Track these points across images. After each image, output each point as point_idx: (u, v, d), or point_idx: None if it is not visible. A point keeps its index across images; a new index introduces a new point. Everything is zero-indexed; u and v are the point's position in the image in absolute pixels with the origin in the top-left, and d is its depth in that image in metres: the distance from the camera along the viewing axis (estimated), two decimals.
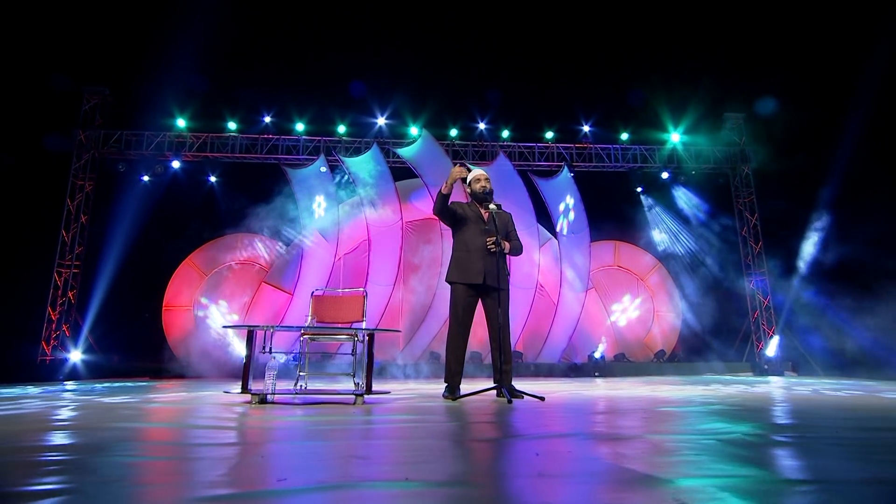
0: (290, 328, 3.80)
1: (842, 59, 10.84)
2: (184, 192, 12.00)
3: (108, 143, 12.10)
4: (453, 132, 12.70)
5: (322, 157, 11.88)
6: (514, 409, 2.96)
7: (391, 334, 10.95)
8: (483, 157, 12.73)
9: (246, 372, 3.46)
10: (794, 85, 11.19)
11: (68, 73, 11.76)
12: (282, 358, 10.44)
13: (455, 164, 4.18)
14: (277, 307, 11.31)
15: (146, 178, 12.09)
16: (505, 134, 12.83)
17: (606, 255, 12.75)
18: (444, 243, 11.54)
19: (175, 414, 2.83)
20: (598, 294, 12.36)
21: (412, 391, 4.89)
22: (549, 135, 12.93)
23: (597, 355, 10.79)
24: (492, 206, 4.07)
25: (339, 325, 4.11)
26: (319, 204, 11.72)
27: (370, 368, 3.54)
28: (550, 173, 12.77)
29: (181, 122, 12.17)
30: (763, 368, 10.64)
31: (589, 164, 12.94)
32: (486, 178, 4.37)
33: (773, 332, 12.04)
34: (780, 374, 10.49)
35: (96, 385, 6.56)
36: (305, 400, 3.56)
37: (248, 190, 12.12)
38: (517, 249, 4.24)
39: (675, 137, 12.92)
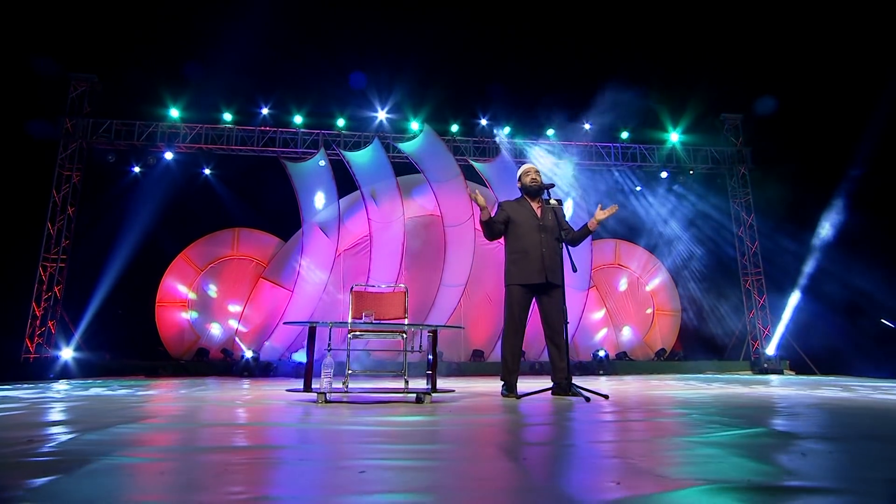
0: (344, 324, 3.60)
1: (842, 61, 11.00)
2: (177, 184, 11.61)
3: (97, 133, 11.64)
4: (454, 127, 12.55)
5: (322, 150, 11.61)
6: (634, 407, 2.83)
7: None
8: (483, 154, 12.61)
9: (309, 371, 3.26)
10: (791, 87, 11.36)
11: (54, 59, 11.27)
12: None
13: (475, 191, 4.01)
14: (276, 303, 11.02)
15: (137, 169, 11.67)
16: (506, 130, 12.72)
17: (607, 253, 12.76)
18: (446, 240, 11.39)
19: (271, 413, 2.64)
20: (599, 293, 12.35)
21: (465, 389, 4.78)
22: (550, 132, 12.87)
23: (601, 354, 10.77)
24: (552, 201, 3.95)
25: (386, 322, 3.94)
26: (319, 199, 11.44)
27: (435, 366, 3.40)
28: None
29: (174, 113, 11.77)
30: (763, 367, 10.75)
31: (590, 162, 12.92)
32: (536, 171, 4.24)
33: (768, 332, 12.20)
34: (779, 372, 10.62)
35: (113, 383, 6.23)
36: (369, 399, 3.39)
37: (245, 183, 11.82)
38: (577, 241, 4.14)
39: (674, 137, 12.99)
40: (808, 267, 11.47)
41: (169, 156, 11.65)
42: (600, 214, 4.04)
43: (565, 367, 3.76)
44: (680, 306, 12.55)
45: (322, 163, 11.59)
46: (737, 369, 11.36)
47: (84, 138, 11.56)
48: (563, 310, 3.87)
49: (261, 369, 9.62)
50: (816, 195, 11.24)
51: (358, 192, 11.57)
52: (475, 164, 12.09)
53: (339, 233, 11.11)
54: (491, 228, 4.01)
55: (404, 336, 3.80)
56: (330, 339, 3.39)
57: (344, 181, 11.61)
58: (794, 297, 11.00)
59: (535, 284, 3.89)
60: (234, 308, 11.19)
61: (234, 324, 11.03)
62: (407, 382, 3.57)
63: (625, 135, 12.96)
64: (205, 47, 12.14)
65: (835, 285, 10.71)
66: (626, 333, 12.28)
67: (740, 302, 12.63)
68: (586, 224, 4.10)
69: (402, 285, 4.39)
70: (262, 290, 11.19)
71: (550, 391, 3.79)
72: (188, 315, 11.09)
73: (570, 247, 4.03)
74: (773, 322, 12.03)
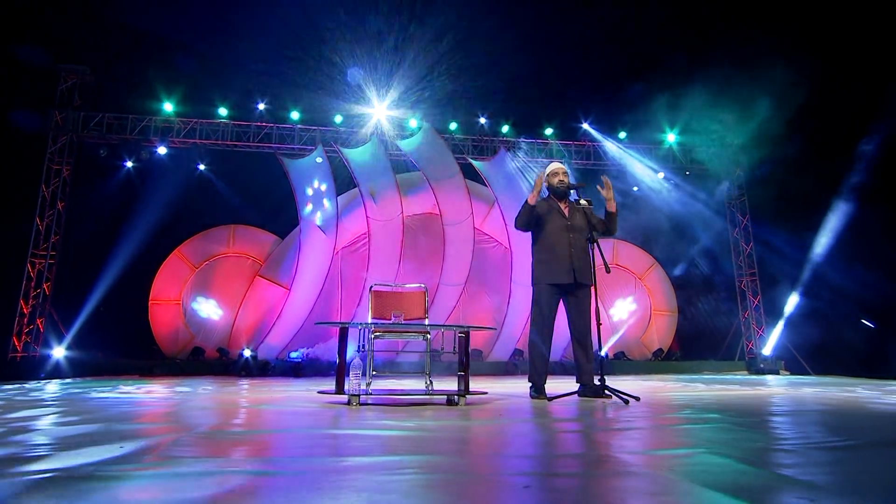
0: (380, 323, 3.49)
1: (838, 62, 11.08)
2: (171, 180, 11.36)
3: (88, 126, 11.36)
4: (453, 125, 12.47)
5: (319, 147, 11.46)
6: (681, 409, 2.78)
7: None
8: (482, 152, 12.55)
9: (341, 373, 3.16)
10: (788, 87, 11.44)
11: (43, 49, 10.97)
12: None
13: (539, 174, 3.96)
14: (273, 302, 10.86)
15: (130, 164, 11.41)
16: (505, 129, 12.68)
17: (605, 253, 12.74)
18: (445, 239, 11.31)
19: (342, 419, 2.53)
20: (596, 292, 12.34)
21: (492, 390, 4.72)
22: (549, 131, 12.86)
23: (600, 353, 10.75)
24: (583, 201, 3.91)
25: (417, 323, 3.86)
26: (317, 195, 11.28)
27: (467, 368, 3.32)
28: None
29: (168, 107, 11.53)
30: (759, 367, 10.86)
31: (587, 162, 12.93)
32: (564, 172, 4.19)
33: (762, 332, 12.33)
34: (775, 372, 10.73)
35: (118, 383, 6.06)
36: (400, 401, 3.31)
37: (240, 179, 11.63)
38: (613, 229, 4.11)
39: (671, 138, 13.05)
40: (804, 268, 11.58)
41: (163, 151, 11.41)
42: (608, 194, 4.02)
43: (592, 368, 3.73)
44: (677, 306, 12.62)
45: (319, 159, 11.44)
46: (733, 369, 11.46)
47: (74, 132, 11.28)
48: (589, 310, 3.84)
49: (259, 368, 9.47)
50: (812, 197, 11.33)
51: (356, 189, 11.44)
52: (474, 163, 12.03)
53: (336, 231, 10.96)
54: (530, 215, 3.97)
55: (428, 337, 3.73)
56: (361, 340, 3.28)
57: (342, 178, 11.47)
58: (791, 299, 11.09)
59: (564, 284, 3.85)
60: (231, 306, 10.99)
61: (229, 322, 10.84)
62: (431, 383, 3.49)
63: (622, 134, 12.98)
64: (200, 40, 11.91)
65: (829, 287, 10.84)
66: (624, 334, 12.31)
67: (735, 302, 12.74)
68: (607, 211, 4.07)
69: (423, 285, 4.31)
70: (258, 289, 11.02)
71: (577, 393, 3.75)
72: (183, 313, 10.87)
73: (607, 236, 4.00)
74: (768, 323, 12.16)
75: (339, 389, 3.14)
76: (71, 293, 10.51)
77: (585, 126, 12.89)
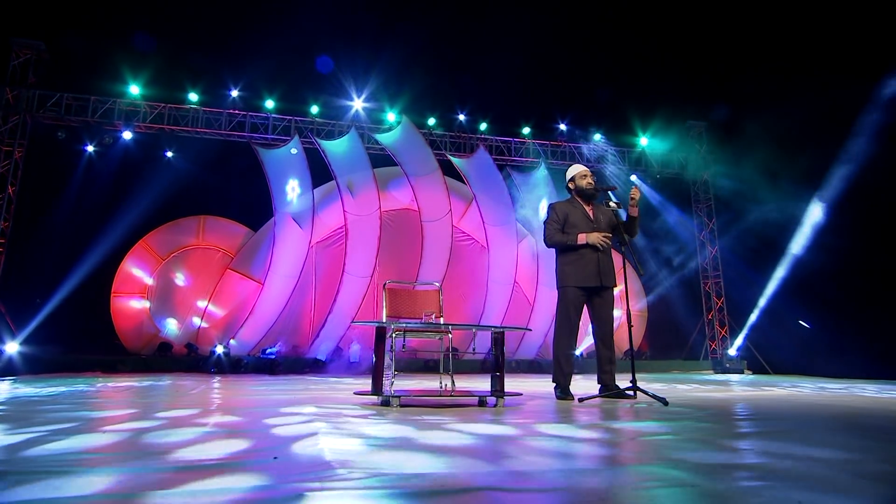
0: (429, 323, 3.37)
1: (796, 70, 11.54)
2: (137, 166, 10.80)
3: (44, 107, 10.64)
4: (431, 121, 12.34)
5: (296, 138, 11.12)
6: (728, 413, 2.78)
7: (346, 325, 10.48)
8: (460, 149, 12.49)
9: (379, 373, 3.03)
10: (751, 96, 11.87)
11: None
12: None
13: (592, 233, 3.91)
14: (245, 296, 10.47)
15: (91, 148, 10.76)
16: (483, 127, 12.66)
17: None
18: (423, 235, 11.19)
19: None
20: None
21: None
22: (526, 130, 12.92)
23: (577, 353, 10.90)
24: (612, 204, 3.90)
25: (439, 322, 3.75)
26: (293, 188, 10.95)
27: (503, 368, 3.25)
28: (525, 168, 12.76)
29: (134, 89, 10.93)
30: (725, 367, 11.26)
31: (563, 162, 13.05)
32: (591, 175, 4.17)
33: (725, 332, 12.81)
34: (740, 371, 11.15)
35: (98, 382, 5.65)
36: (438, 402, 3.21)
37: (212, 169, 11.15)
38: (633, 235, 4.09)
39: (643, 142, 13.35)
40: (766, 272, 12.05)
41: (128, 135, 10.82)
42: (635, 194, 3.98)
43: (613, 369, 3.75)
44: (646, 307, 12.93)
45: (294, 150, 11.10)
46: (699, 369, 11.84)
47: (28, 112, 10.54)
48: (612, 312, 3.86)
49: (231, 365, 9.11)
50: (777, 204, 11.80)
51: (332, 182, 11.15)
52: (454, 160, 11.95)
53: (312, 224, 10.67)
54: (567, 243, 3.93)
55: (450, 336, 3.65)
56: (393, 339, 3.13)
57: (318, 171, 11.16)
58: (758, 301, 11.52)
59: (590, 287, 3.85)
60: (199, 300, 10.53)
61: (198, 317, 10.38)
62: (454, 383, 3.41)
63: (597, 136, 13.18)
64: (168, 19, 11.36)
65: (791, 290, 11.33)
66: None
67: (700, 303, 13.16)
68: (630, 216, 4.07)
69: (437, 283, 4.23)
70: (229, 282, 10.60)
71: (598, 393, 3.75)
72: (148, 307, 10.33)
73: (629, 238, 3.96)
74: (731, 324, 12.63)
75: (377, 390, 3.01)
76: (23, 284, 9.82)
77: (562, 127, 13.01)
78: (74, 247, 9.96)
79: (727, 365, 11.25)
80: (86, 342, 9.45)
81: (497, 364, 3.29)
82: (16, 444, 1.70)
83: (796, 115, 11.09)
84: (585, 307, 3.98)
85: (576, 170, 4.19)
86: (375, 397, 3.07)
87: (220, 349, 9.21)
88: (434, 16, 12.44)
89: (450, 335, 3.68)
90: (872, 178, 9.55)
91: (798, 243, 11.46)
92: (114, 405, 3.28)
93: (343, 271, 10.53)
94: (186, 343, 9.97)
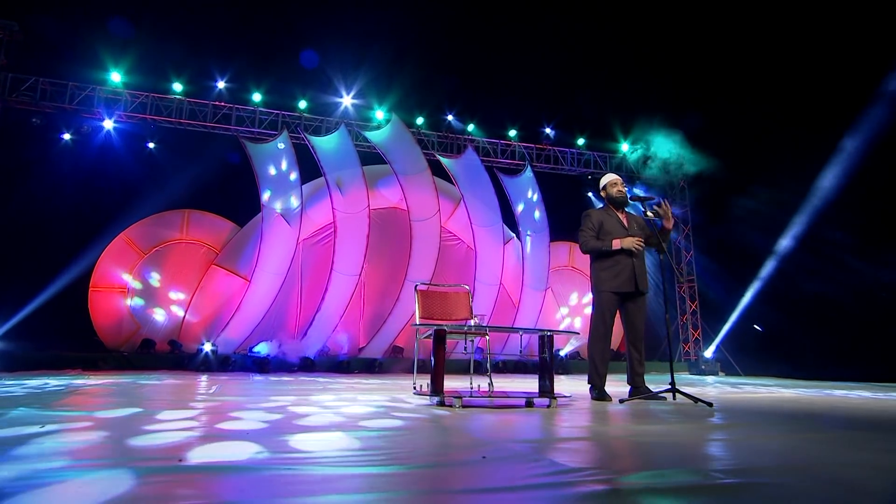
0: (482, 326, 3.41)
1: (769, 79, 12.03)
2: (118, 157, 10.44)
3: (18, 91, 10.17)
4: (420, 120, 12.35)
5: (284, 132, 10.94)
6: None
7: (334, 324, 10.43)
8: (448, 149, 12.54)
9: (440, 375, 3.06)
10: (723, 104, 12.32)
11: None
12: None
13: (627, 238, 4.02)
14: (230, 293, 10.26)
15: (69, 136, 10.34)
16: (471, 128, 12.74)
17: (562, 255, 13.17)
18: (412, 234, 11.20)
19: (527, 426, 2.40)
20: (553, 293, 12.73)
21: (504, 389, 4.70)
22: (513, 132, 13.07)
23: (562, 353, 11.16)
24: (650, 213, 4.01)
25: (489, 326, 3.83)
26: (281, 183, 10.78)
27: (552, 370, 3.34)
28: (511, 171, 12.91)
29: (116, 77, 10.56)
30: (701, 368, 11.69)
31: (547, 166, 13.28)
32: (623, 183, 4.31)
33: (698, 335, 13.29)
34: (715, 373, 11.59)
35: (130, 379, 5.42)
36: (494, 403, 3.28)
37: (196, 162, 10.83)
38: (665, 244, 4.21)
39: (625, 147, 13.70)
40: (741, 277, 12.54)
41: (108, 124, 10.45)
42: (666, 214, 4.11)
43: (644, 371, 3.91)
44: None
45: (281, 145, 10.93)
46: (676, 370, 12.21)
47: (0, 95, 10.04)
48: (646, 317, 4.00)
49: (219, 363, 8.92)
50: (752, 210, 12.29)
51: (321, 179, 11.04)
52: (443, 160, 11.99)
53: (301, 221, 10.55)
54: (599, 247, 4.06)
55: (487, 337, 3.74)
56: (467, 343, 3.19)
57: (306, 167, 11.02)
58: (736, 305, 11.98)
59: (626, 293, 3.98)
60: (182, 296, 10.26)
61: (181, 313, 10.12)
62: (492, 384, 3.49)
63: (581, 141, 13.45)
64: (151, 5, 11.01)
65: (765, 296, 11.84)
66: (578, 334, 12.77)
67: (674, 306, 13.61)
68: (664, 227, 4.18)
69: (466, 286, 4.30)
70: (214, 278, 10.36)
71: (629, 394, 3.89)
72: (128, 302, 10.00)
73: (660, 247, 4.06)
74: (704, 327, 13.11)
75: (436, 390, 3.05)
76: None
77: (548, 131, 13.21)
78: (50, 239, 9.57)
79: (703, 367, 11.67)
80: (63, 339, 9.08)
81: (545, 365, 3.38)
82: None
83: (770, 122, 11.63)
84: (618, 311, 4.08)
85: (608, 178, 4.32)
86: (433, 398, 3.10)
87: (207, 347, 9.01)
88: (422, 16, 12.44)
89: (486, 337, 3.75)
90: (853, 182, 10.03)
91: (773, 249, 11.98)
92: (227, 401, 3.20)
93: (332, 269, 10.44)
94: (169, 340, 9.70)
